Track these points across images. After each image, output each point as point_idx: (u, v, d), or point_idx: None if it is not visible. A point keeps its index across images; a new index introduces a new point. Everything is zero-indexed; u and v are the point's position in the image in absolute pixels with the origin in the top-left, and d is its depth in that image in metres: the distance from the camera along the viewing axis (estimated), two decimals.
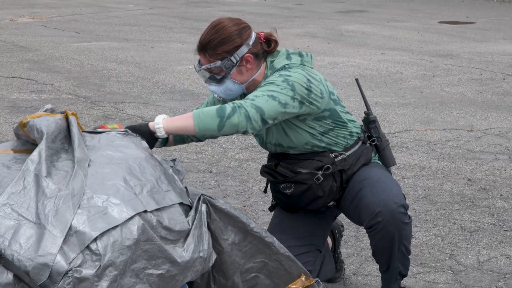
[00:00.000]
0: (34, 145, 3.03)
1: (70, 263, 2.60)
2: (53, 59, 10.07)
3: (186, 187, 3.07)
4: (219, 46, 3.31)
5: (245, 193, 5.20)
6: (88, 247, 2.64)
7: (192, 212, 2.95)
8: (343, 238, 4.28)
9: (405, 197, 3.43)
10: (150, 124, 3.15)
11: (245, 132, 3.16)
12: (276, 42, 3.44)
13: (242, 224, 3.04)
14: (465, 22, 14.04)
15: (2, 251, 2.60)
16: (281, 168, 3.48)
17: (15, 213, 2.68)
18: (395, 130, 6.75)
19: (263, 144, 3.56)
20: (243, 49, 3.33)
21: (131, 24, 13.62)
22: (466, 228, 4.61)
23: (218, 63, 3.31)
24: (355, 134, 3.53)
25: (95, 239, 2.66)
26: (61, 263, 2.60)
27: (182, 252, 2.84)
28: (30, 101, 7.74)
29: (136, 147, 3.05)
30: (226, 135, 3.23)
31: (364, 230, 4.57)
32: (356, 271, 4.08)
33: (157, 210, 2.83)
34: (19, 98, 7.88)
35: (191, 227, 2.91)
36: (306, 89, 3.29)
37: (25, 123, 2.98)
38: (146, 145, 3.11)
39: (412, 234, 4.49)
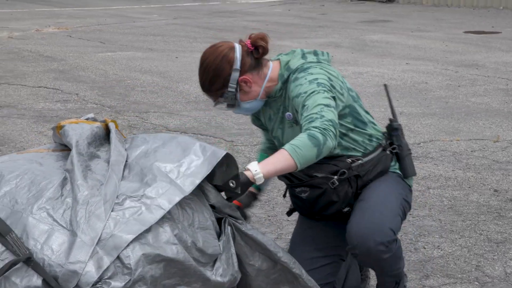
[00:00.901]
0: (67, 146, 3.06)
1: (100, 274, 2.60)
2: (78, 69, 10.13)
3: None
4: (212, 86, 3.32)
5: (269, 203, 5.19)
6: (120, 258, 2.64)
7: (223, 237, 2.95)
8: None
9: (395, 232, 3.28)
10: (249, 175, 3.03)
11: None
12: (263, 48, 3.34)
13: (269, 253, 3.02)
14: (491, 32, 13.97)
15: (34, 255, 2.61)
16: (296, 171, 3.47)
17: (50, 218, 2.69)
18: (420, 140, 6.72)
19: (280, 146, 3.51)
20: (234, 76, 3.30)
21: (155, 34, 13.67)
22: (492, 239, 4.57)
23: (221, 99, 3.35)
24: (374, 140, 3.47)
25: (128, 249, 2.65)
26: (91, 273, 2.59)
27: (212, 276, 2.84)
28: (55, 111, 7.78)
29: (166, 136, 3.06)
30: None
31: None
32: None
33: (194, 231, 2.83)
34: (45, 108, 7.92)
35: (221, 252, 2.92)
36: (331, 85, 3.27)
37: (62, 126, 3.02)
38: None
39: (438, 245, 4.46)
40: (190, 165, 2.86)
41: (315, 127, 3.06)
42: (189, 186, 2.81)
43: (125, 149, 2.99)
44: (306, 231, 3.60)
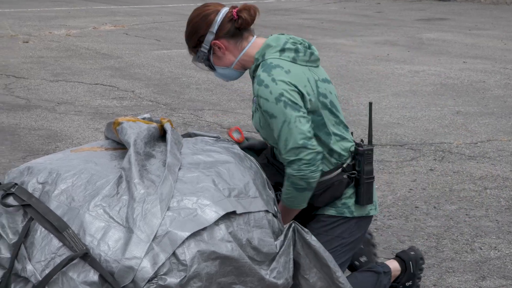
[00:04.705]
0: (120, 144, 3.08)
1: (156, 270, 2.62)
2: (134, 66, 10.21)
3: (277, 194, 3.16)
4: (189, 41, 3.38)
5: None
6: (175, 255, 2.65)
7: (281, 237, 2.95)
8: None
9: None
10: None
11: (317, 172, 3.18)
12: (243, 20, 3.31)
13: (328, 270, 2.99)
14: None
15: (91, 250, 2.64)
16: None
17: (107, 215, 2.72)
18: (477, 140, 6.63)
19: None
20: (209, 37, 3.31)
21: None
22: None
23: (196, 56, 3.38)
24: (335, 156, 3.31)
25: (183, 246, 2.66)
26: (146, 269, 2.61)
27: (266, 275, 2.84)
28: (112, 108, 7.86)
29: (227, 152, 3.07)
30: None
31: (445, 241, 4.49)
32: (436, 282, 4.02)
33: (248, 230, 2.83)
34: (101, 105, 8.01)
35: (278, 252, 2.91)
36: (298, 93, 3.19)
37: (119, 122, 3.04)
38: (238, 150, 3.14)
39: (495, 246, 4.39)
40: (243, 194, 2.90)
41: (294, 176, 3.16)
42: (240, 209, 2.84)
43: (180, 153, 3.01)
44: None
